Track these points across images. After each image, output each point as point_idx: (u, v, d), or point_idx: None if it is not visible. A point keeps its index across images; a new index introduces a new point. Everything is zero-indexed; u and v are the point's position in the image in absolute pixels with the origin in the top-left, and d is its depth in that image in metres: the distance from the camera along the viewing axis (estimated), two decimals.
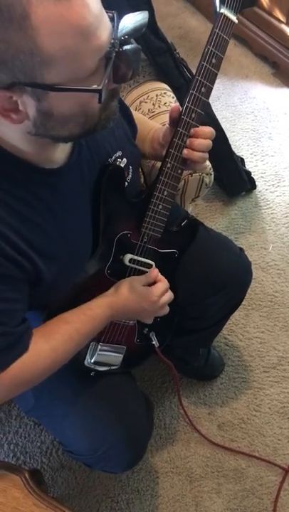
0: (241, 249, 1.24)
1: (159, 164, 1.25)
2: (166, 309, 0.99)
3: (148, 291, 0.93)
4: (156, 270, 0.97)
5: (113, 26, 0.64)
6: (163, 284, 0.96)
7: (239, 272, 1.20)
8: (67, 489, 1.37)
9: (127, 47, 0.67)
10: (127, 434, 1.00)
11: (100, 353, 1.00)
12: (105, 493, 1.36)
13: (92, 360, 0.99)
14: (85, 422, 0.99)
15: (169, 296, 0.98)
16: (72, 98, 0.63)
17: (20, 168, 0.72)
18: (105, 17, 0.62)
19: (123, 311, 0.92)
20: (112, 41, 0.63)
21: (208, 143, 0.90)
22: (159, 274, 0.97)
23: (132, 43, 0.71)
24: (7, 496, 0.96)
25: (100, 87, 0.63)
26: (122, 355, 1.04)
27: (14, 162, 0.72)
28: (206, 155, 0.91)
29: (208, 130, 0.90)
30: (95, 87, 0.63)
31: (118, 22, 0.65)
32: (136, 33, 1.17)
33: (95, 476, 1.38)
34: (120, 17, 1.02)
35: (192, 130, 0.89)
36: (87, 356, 0.99)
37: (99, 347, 0.99)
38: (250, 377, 1.53)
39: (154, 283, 0.96)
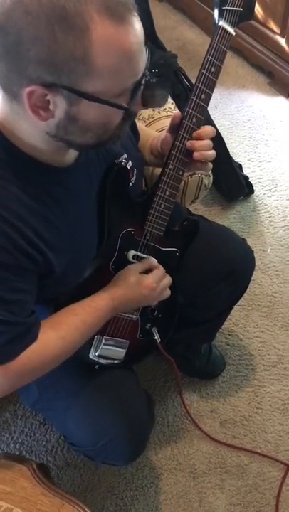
0: (243, 238, 1.29)
1: (158, 170, 1.31)
2: (168, 292, 1.02)
3: (145, 278, 0.97)
4: (152, 258, 1.00)
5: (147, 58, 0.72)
6: (159, 270, 1.00)
7: (244, 259, 1.25)
8: (73, 487, 1.39)
9: (154, 79, 0.78)
10: (128, 427, 1.03)
11: (103, 347, 1.03)
12: (110, 490, 1.38)
13: (97, 354, 1.03)
14: (87, 413, 1.02)
15: (167, 280, 1.01)
16: (99, 109, 0.69)
17: (33, 166, 0.77)
18: (144, 48, 0.70)
19: (125, 301, 0.95)
20: (145, 70, 0.71)
21: (210, 142, 0.94)
22: (155, 261, 1.00)
23: (160, 76, 0.82)
24: (15, 485, 0.99)
25: (128, 106, 0.71)
26: (125, 350, 1.07)
27: (27, 160, 0.76)
28: (213, 152, 0.95)
29: (209, 129, 0.94)
30: (124, 105, 0.71)
31: (149, 55, 0.73)
32: (166, 69, 1.24)
33: (100, 473, 1.41)
34: None
35: (195, 133, 0.93)
36: (92, 349, 1.03)
37: (103, 340, 1.03)
38: (251, 376, 1.56)
39: (150, 271, 0.99)
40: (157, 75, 0.83)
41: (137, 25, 0.66)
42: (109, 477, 1.40)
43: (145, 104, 0.77)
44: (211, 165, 0.98)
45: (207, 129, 0.94)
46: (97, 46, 0.62)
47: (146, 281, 0.97)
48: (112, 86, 0.68)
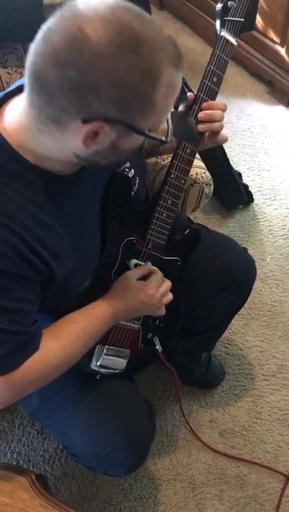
0: (245, 248, 1.29)
1: (159, 179, 1.31)
2: (169, 297, 1.00)
3: (143, 284, 0.95)
4: (150, 263, 0.99)
5: None
6: (157, 275, 0.98)
7: (245, 268, 1.25)
8: (71, 497, 1.38)
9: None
10: (129, 437, 1.02)
11: (105, 357, 1.02)
12: (108, 501, 1.37)
13: (98, 364, 1.02)
14: (89, 423, 1.01)
15: (167, 285, 0.99)
16: (139, 140, 0.76)
17: (39, 175, 0.76)
18: None
19: (124, 308, 0.94)
20: None
21: (222, 113, 0.95)
22: (152, 266, 0.99)
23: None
24: (14, 497, 0.98)
25: (167, 140, 0.79)
26: (126, 360, 1.07)
27: (34, 170, 0.76)
28: (222, 124, 0.95)
29: (220, 104, 0.95)
30: (164, 139, 0.79)
31: None
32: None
33: (98, 483, 1.39)
34: None
35: (205, 103, 0.93)
36: (93, 359, 1.02)
37: (105, 350, 1.02)
38: (250, 385, 1.55)
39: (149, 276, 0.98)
40: None
41: None
42: (107, 487, 1.39)
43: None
44: (226, 136, 0.97)
45: (218, 103, 0.94)
46: (161, 90, 0.68)
47: (143, 286, 0.95)
48: (159, 121, 0.75)
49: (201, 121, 0.93)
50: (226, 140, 0.98)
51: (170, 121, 0.88)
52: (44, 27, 0.66)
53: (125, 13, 0.64)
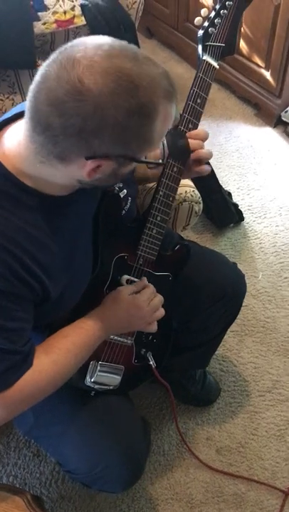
0: (234, 263, 1.31)
1: (148, 198, 1.34)
2: (161, 312, 1.01)
3: (134, 298, 0.97)
4: (145, 279, 1.01)
5: None
6: (148, 289, 1.00)
7: (235, 282, 1.27)
8: None
9: None
10: (124, 452, 1.02)
11: (99, 373, 1.03)
12: None
13: (92, 380, 1.02)
14: (84, 439, 1.02)
15: (158, 299, 1.00)
16: (136, 164, 0.80)
17: (34, 197, 0.79)
18: None
19: (115, 321, 0.95)
20: None
21: (201, 143, 0.98)
22: (145, 280, 1.01)
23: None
24: None
25: (163, 162, 0.89)
26: (120, 377, 1.07)
27: (30, 192, 0.78)
28: (210, 152, 0.98)
29: (202, 131, 0.98)
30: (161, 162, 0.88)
31: None
32: None
33: (95, 505, 1.38)
34: None
35: (188, 134, 0.97)
36: (87, 376, 1.02)
37: (98, 367, 1.03)
38: (246, 402, 1.55)
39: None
40: None
41: None
42: (105, 509, 1.37)
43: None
44: (209, 167, 1.00)
45: (200, 131, 0.98)
46: (158, 124, 0.73)
47: (134, 300, 0.97)
48: (156, 147, 0.81)
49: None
50: (208, 171, 1.01)
51: (165, 142, 0.92)
52: (41, 71, 0.70)
53: (120, 59, 0.68)
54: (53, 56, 0.70)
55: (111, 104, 0.68)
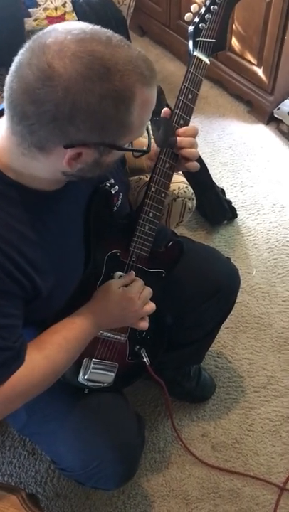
0: (228, 257, 1.32)
1: (142, 193, 1.34)
2: (151, 306, 1.01)
3: (124, 290, 0.96)
4: (133, 272, 1.00)
5: None
6: (138, 282, 0.99)
7: (229, 276, 1.27)
8: None
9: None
10: (119, 449, 1.02)
11: (92, 370, 1.02)
12: None
13: (86, 377, 1.02)
14: (78, 436, 1.01)
15: (147, 292, 1.00)
16: (120, 153, 0.79)
17: (23, 192, 0.79)
18: None
19: (106, 315, 0.95)
20: None
21: (194, 140, 0.97)
22: (133, 274, 1.00)
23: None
24: None
25: (148, 150, 0.84)
26: (114, 374, 1.07)
27: (18, 187, 0.78)
28: (197, 152, 0.97)
29: (192, 128, 0.97)
30: (145, 149, 0.84)
31: None
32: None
33: (91, 503, 1.38)
34: None
35: (177, 131, 0.96)
36: (81, 373, 1.02)
37: (92, 364, 1.02)
38: (241, 398, 1.56)
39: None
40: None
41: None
42: (100, 507, 1.37)
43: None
44: (197, 164, 0.99)
45: (188, 128, 0.97)
46: (137, 110, 0.72)
47: (124, 292, 0.96)
48: (138, 135, 0.78)
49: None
50: (196, 168, 1.00)
51: (150, 130, 0.90)
52: (16, 60, 0.70)
53: (92, 43, 0.67)
54: (26, 44, 0.70)
55: (82, 89, 0.66)
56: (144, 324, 1.02)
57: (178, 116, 0.97)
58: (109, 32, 0.70)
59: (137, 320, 1.00)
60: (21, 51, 0.69)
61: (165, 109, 0.98)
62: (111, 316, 0.96)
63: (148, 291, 1.00)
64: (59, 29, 0.69)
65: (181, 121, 0.98)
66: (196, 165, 0.99)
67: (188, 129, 0.97)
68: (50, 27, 0.70)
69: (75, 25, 0.69)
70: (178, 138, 0.95)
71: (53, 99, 0.67)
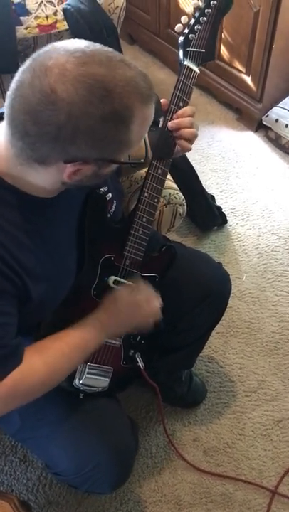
0: (219, 262, 1.33)
1: (132, 202, 1.35)
2: (159, 300, 1.02)
3: (131, 296, 0.98)
4: (140, 279, 1.02)
5: None
6: (145, 286, 1.01)
7: (220, 281, 1.28)
8: None
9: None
10: (113, 452, 1.02)
11: (87, 375, 1.03)
12: None
13: (81, 382, 1.02)
14: (71, 440, 1.01)
15: (156, 297, 1.02)
16: (116, 165, 0.81)
17: (16, 196, 0.79)
18: None
19: (115, 323, 0.96)
20: None
21: (193, 119, 0.98)
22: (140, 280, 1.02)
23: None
24: None
25: (144, 161, 0.87)
26: (108, 379, 1.08)
27: (12, 191, 0.79)
28: (196, 131, 0.99)
29: (188, 108, 0.98)
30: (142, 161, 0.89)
31: None
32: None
33: (83, 510, 1.37)
34: None
35: (174, 115, 0.97)
36: (76, 378, 1.02)
37: (87, 369, 1.03)
38: (232, 402, 1.56)
39: None
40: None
41: None
42: None
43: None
44: (190, 146, 1.00)
45: (186, 109, 0.98)
46: (136, 128, 0.74)
47: (134, 298, 0.98)
48: (136, 148, 0.80)
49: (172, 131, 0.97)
50: (188, 149, 1.00)
51: (147, 139, 0.92)
52: (16, 79, 0.71)
53: (93, 65, 0.69)
54: (27, 62, 0.71)
55: (84, 113, 0.69)
56: (152, 318, 1.02)
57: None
58: (109, 51, 0.72)
59: (147, 322, 1.01)
60: (22, 69, 0.71)
61: (163, 101, 1.00)
62: (121, 323, 0.98)
63: (156, 295, 1.02)
64: (60, 50, 0.70)
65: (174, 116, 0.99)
66: (187, 146, 1.00)
67: (186, 110, 0.98)
68: (50, 46, 0.72)
69: (75, 46, 0.70)
70: (178, 120, 0.96)
71: (55, 122, 0.69)
